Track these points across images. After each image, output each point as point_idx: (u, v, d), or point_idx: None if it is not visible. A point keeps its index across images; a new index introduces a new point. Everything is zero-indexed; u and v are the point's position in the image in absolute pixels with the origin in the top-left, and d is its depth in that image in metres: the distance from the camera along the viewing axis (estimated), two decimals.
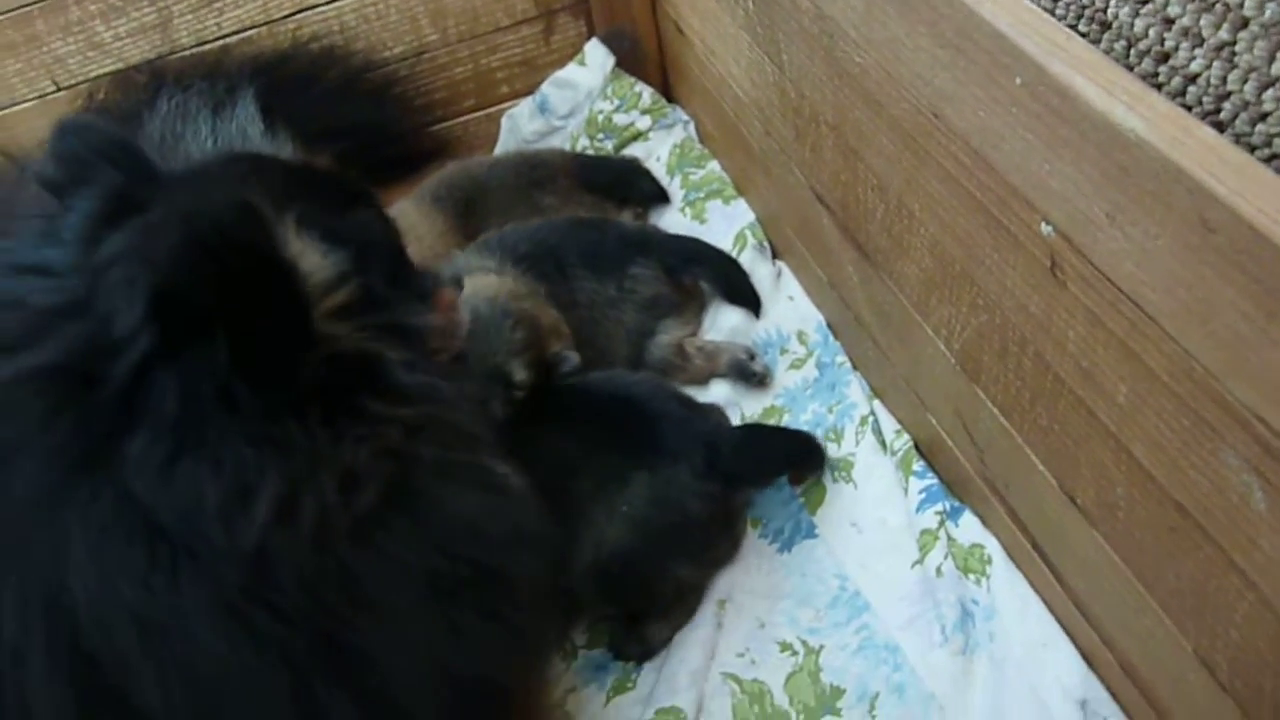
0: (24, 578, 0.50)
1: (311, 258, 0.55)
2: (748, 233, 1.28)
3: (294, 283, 0.52)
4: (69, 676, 0.50)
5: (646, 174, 1.39)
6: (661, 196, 1.38)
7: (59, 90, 1.29)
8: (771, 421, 1.13)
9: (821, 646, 0.94)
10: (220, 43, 1.32)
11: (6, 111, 1.29)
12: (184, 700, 0.50)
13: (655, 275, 1.17)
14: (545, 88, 1.48)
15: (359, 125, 1.35)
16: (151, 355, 0.48)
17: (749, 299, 1.22)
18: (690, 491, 0.92)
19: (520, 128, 1.50)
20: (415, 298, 0.68)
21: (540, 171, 1.33)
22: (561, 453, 0.93)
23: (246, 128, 1.16)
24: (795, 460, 1.04)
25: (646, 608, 0.96)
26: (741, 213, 1.31)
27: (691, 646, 0.94)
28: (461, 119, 1.50)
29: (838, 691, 0.91)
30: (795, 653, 0.94)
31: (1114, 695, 0.83)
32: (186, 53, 1.31)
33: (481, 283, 1.04)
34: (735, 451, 0.96)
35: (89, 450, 0.49)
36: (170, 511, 0.49)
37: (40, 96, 1.29)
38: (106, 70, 1.30)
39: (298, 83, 1.33)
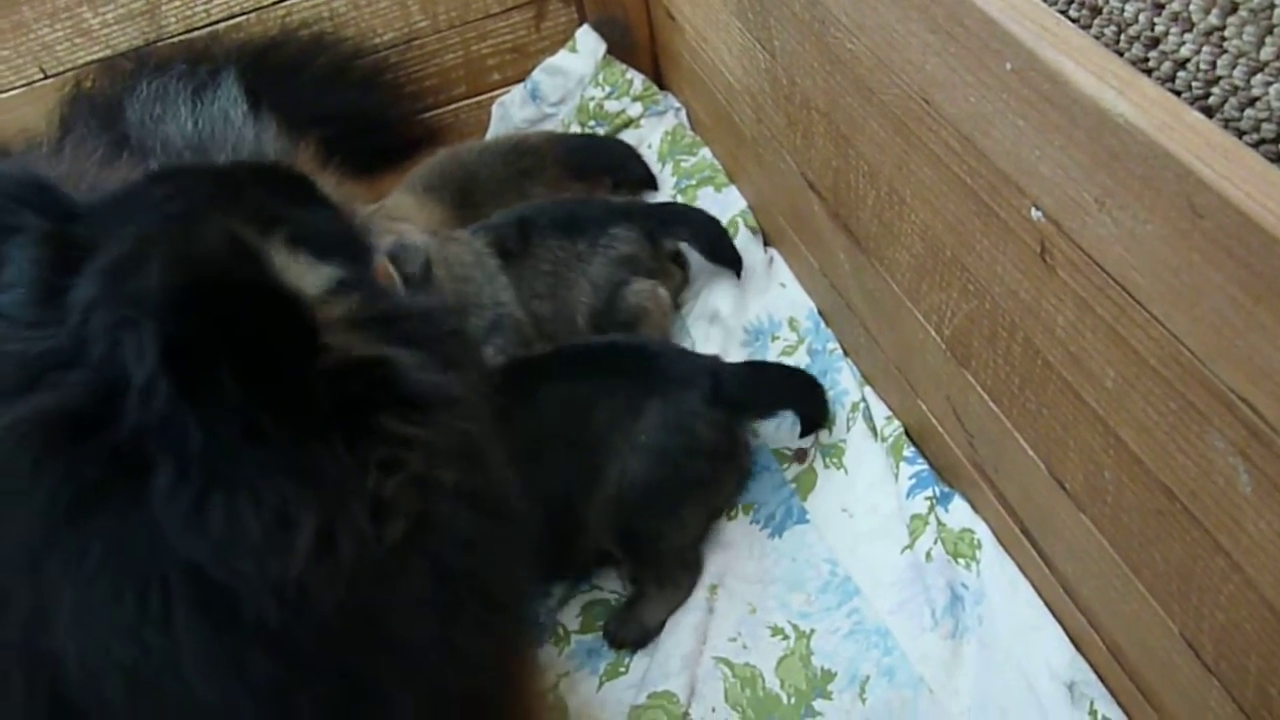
0: (5, 631, 0.49)
1: (308, 276, 0.54)
2: (739, 220, 1.28)
3: (297, 308, 0.51)
4: None
5: (635, 156, 1.39)
6: (649, 181, 1.38)
7: (46, 78, 1.29)
8: None
9: (812, 631, 0.95)
10: (209, 30, 1.31)
11: None
12: None
13: (636, 238, 1.18)
14: (536, 75, 1.48)
15: (348, 112, 1.35)
16: (169, 401, 0.47)
17: (729, 258, 1.23)
18: (700, 417, 0.96)
19: (511, 115, 1.49)
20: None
21: (528, 160, 1.33)
22: (576, 393, 0.98)
23: (229, 110, 1.16)
24: (795, 395, 1.06)
25: (650, 554, 0.98)
26: (733, 200, 1.31)
27: (684, 631, 0.95)
28: (452, 106, 1.49)
29: (828, 675, 0.91)
30: (786, 637, 0.95)
31: (1101, 677, 0.84)
32: (175, 39, 1.30)
33: None
34: (737, 381, 1.00)
35: (79, 499, 0.48)
36: (203, 548, 0.48)
37: (28, 84, 1.28)
38: (94, 57, 1.29)
39: (286, 69, 1.32)
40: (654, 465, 0.95)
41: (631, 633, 0.97)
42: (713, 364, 1.02)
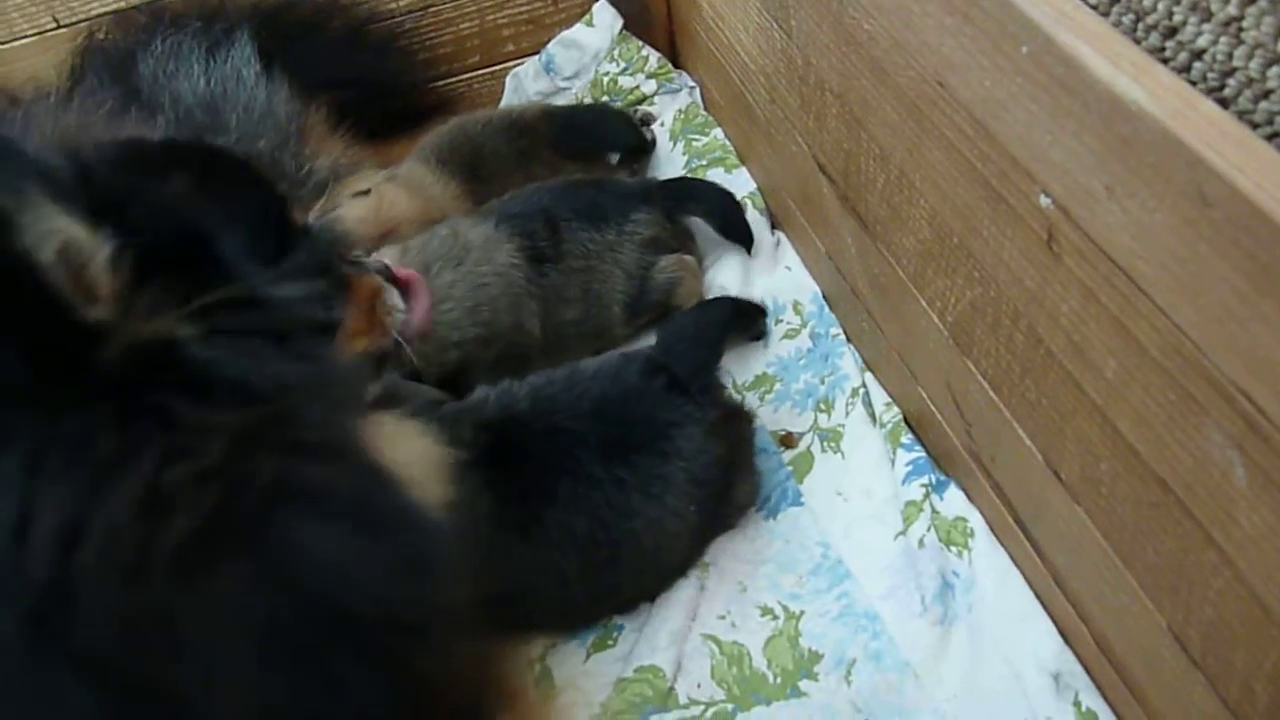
0: None
1: (75, 233, 0.46)
2: (748, 202, 1.28)
3: (38, 274, 0.45)
4: None
5: (627, 123, 1.37)
6: (645, 147, 1.37)
7: (59, 27, 1.28)
8: (763, 390, 1.13)
9: (802, 612, 0.95)
10: None
11: (6, 47, 1.28)
12: None
13: (656, 219, 1.18)
14: (551, 47, 1.47)
15: (361, 77, 1.35)
16: None
17: (742, 235, 1.24)
18: (708, 452, 0.93)
19: (525, 87, 1.49)
20: (298, 271, 0.58)
21: (526, 141, 1.31)
22: (601, 492, 0.90)
23: (241, 69, 1.15)
24: (730, 323, 1.08)
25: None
26: (743, 181, 1.31)
27: (673, 607, 0.95)
28: (465, 76, 1.49)
29: (815, 656, 0.92)
30: (776, 617, 0.95)
31: (1087, 669, 0.84)
32: None
33: None
34: (680, 360, 0.96)
35: None
36: None
37: (40, 33, 1.28)
38: (108, 9, 1.28)
39: (300, 31, 1.32)
40: (692, 502, 0.93)
41: None
42: (662, 365, 0.95)
